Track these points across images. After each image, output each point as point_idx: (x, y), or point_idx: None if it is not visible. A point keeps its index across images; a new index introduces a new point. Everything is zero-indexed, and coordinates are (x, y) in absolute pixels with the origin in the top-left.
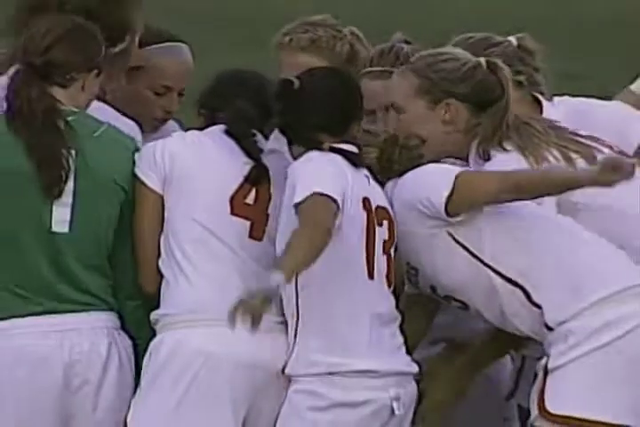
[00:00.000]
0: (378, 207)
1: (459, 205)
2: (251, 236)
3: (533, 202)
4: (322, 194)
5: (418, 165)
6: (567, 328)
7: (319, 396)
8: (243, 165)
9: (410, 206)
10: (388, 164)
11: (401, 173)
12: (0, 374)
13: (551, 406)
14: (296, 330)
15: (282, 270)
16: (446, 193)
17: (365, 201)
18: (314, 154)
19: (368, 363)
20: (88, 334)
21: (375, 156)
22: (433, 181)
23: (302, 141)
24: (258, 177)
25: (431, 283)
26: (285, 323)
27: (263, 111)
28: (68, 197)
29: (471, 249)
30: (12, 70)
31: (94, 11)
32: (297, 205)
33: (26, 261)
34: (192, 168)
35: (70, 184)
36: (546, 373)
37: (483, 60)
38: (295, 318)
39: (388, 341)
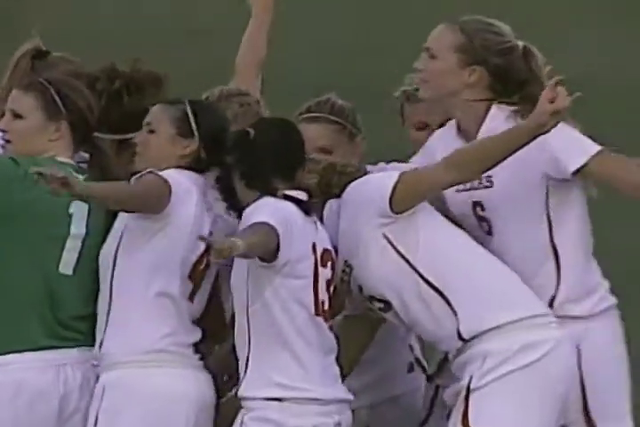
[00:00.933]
0: (324, 250)
1: (404, 197)
2: (189, 298)
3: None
4: (267, 224)
5: None
6: (484, 349)
7: (273, 422)
8: (206, 223)
9: (358, 204)
10: (327, 188)
11: (338, 196)
12: (3, 405)
13: (475, 425)
14: (247, 356)
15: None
16: (392, 184)
17: (314, 246)
18: (269, 200)
19: (320, 391)
20: (79, 368)
21: (315, 181)
22: (380, 180)
23: (259, 188)
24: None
25: (360, 282)
26: (203, 359)
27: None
28: (77, 243)
29: (403, 253)
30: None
31: (118, 95)
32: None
33: (35, 299)
34: (188, 220)
35: (82, 231)
36: (467, 393)
37: (521, 44)
38: (247, 345)
39: (331, 370)
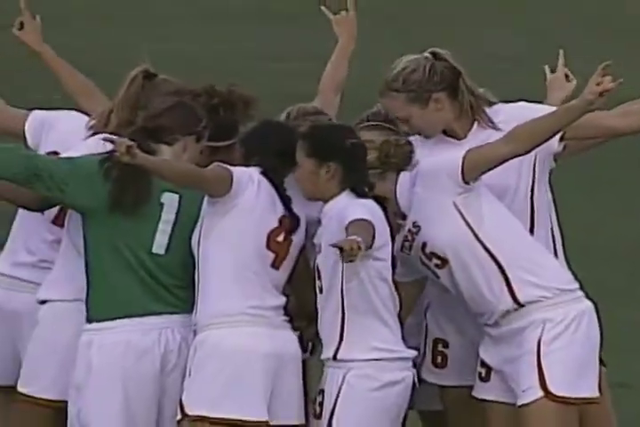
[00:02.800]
0: (391, 234)
1: (472, 167)
2: (272, 265)
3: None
4: (368, 220)
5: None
6: (543, 317)
7: (374, 378)
8: (278, 207)
9: (435, 174)
10: (386, 159)
11: (397, 169)
12: (113, 362)
13: (555, 389)
14: (342, 325)
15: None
16: (462, 157)
17: (390, 231)
18: (353, 196)
19: (407, 352)
20: (179, 331)
21: (376, 155)
22: (453, 154)
23: (351, 187)
24: (292, 226)
25: (425, 240)
26: (288, 321)
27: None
28: (168, 227)
29: (470, 223)
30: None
31: (215, 109)
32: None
33: (136, 272)
34: (252, 202)
35: (172, 217)
36: (539, 359)
37: (428, 54)
38: (341, 316)
39: None
